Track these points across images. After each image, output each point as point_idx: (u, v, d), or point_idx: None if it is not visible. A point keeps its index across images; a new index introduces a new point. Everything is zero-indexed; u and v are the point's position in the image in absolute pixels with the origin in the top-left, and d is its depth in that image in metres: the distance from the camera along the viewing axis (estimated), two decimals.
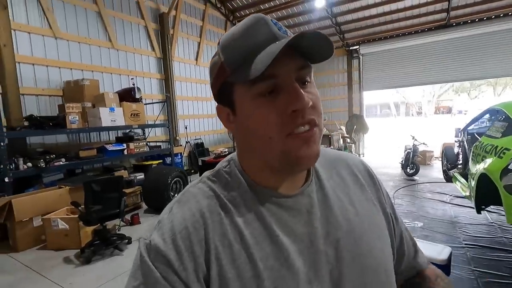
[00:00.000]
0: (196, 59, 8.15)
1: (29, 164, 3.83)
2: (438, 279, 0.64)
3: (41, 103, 4.82)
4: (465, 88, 32.82)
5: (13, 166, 3.69)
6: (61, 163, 4.12)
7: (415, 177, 5.94)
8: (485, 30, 8.05)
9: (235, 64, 0.45)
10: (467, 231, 3.26)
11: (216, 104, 0.52)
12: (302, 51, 0.45)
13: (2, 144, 3.49)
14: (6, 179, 3.52)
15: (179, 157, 6.55)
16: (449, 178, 4.05)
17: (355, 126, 8.79)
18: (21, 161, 3.75)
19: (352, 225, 0.52)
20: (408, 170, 6.07)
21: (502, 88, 29.44)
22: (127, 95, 5.26)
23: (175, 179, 4.64)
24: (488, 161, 2.40)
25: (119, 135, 5.61)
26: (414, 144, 6.24)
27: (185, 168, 7.27)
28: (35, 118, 3.95)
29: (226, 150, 4.56)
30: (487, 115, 3.33)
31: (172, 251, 0.43)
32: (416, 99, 36.99)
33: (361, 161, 0.65)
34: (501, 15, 7.77)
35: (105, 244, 3.17)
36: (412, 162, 6.04)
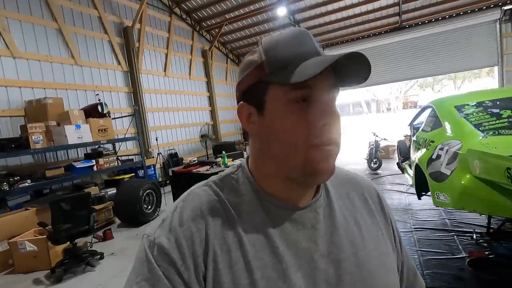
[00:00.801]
0: (165, 71, 8.21)
1: None
2: None
3: (1, 125, 4.71)
4: (429, 83, 34.90)
5: None
6: (27, 184, 4.05)
7: (379, 171, 6.36)
8: (434, 31, 8.80)
9: (277, 66, 0.45)
10: (417, 216, 3.60)
11: (240, 102, 0.52)
12: (336, 72, 0.46)
13: None
14: None
15: (152, 169, 6.56)
16: (402, 170, 4.42)
17: None
18: None
19: (356, 248, 0.51)
20: (372, 165, 6.48)
21: (461, 81, 31.64)
22: (94, 111, 5.25)
23: (147, 191, 4.69)
24: (420, 152, 2.73)
25: (88, 152, 5.57)
26: (376, 140, 6.67)
27: (160, 179, 7.28)
28: None
29: (196, 159, 4.67)
30: (425, 112, 3.72)
31: (175, 250, 0.44)
32: (385, 96, 38.88)
33: (373, 186, 0.64)
34: (447, 16, 8.53)
35: (77, 261, 3.19)
36: (375, 157, 6.46)
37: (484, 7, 8.08)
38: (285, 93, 0.45)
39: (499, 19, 8.04)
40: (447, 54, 8.83)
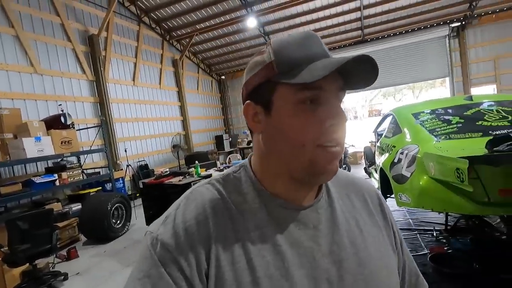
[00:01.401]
0: (133, 80, 7.99)
1: None
2: None
3: None
4: (391, 93, 37.38)
5: None
6: None
7: None
8: (394, 44, 9.51)
9: (286, 67, 0.46)
10: None
11: (246, 101, 0.51)
12: (344, 74, 0.47)
13: None
14: None
15: (121, 181, 6.29)
16: (368, 175, 4.66)
17: None
18: None
19: (357, 248, 0.51)
20: None
21: (419, 91, 34.29)
22: (56, 122, 4.95)
23: (116, 205, 4.48)
24: (384, 156, 2.92)
25: (50, 165, 5.21)
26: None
27: (129, 192, 6.98)
28: None
29: (168, 170, 4.56)
30: (387, 119, 3.99)
31: (177, 247, 0.44)
32: (352, 105, 40.88)
33: (373, 188, 0.65)
34: (403, 32, 9.28)
35: (37, 284, 2.95)
36: (344, 163, 6.74)
37: (435, 24, 8.91)
38: (294, 94, 0.45)
39: (448, 35, 8.89)
40: (405, 66, 9.56)
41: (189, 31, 9.22)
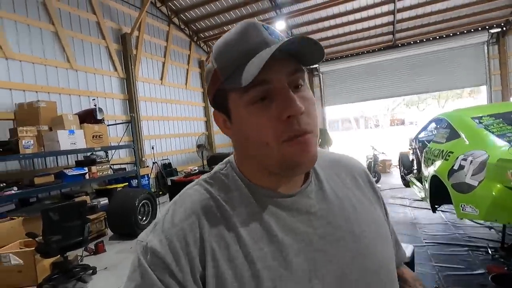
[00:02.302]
0: (161, 79, 8.09)
1: None
2: (417, 282, 0.66)
3: None
4: (414, 102, 36.15)
5: None
6: (13, 192, 3.75)
7: (378, 185, 6.29)
8: (426, 50, 9.11)
9: (227, 71, 0.45)
10: (426, 230, 3.53)
11: (213, 109, 0.52)
12: (293, 54, 0.45)
13: None
14: None
15: (146, 178, 6.30)
16: (406, 183, 4.38)
17: (319, 140, 9.20)
18: None
19: (351, 225, 0.52)
20: None
21: (444, 100, 32.96)
22: (88, 117, 5.03)
23: (143, 201, 4.45)
24: (437, 164, 2.68)
25: (80, 159, 5.29)
26: (374, 154, 6.68)
27: (153, 190, 7.00)
28: None
29: (197, 168, 4.50)
30: (433, 124, 3.73)
31: (168, 252, 0.43)
32: (373, 113, 39.89)
33: (360, 165, 0.65)
34: (437, 37, 8.88)
35: (67, 277, 2.91)
36: (374, 170, 6.44)
37: (473, 30, 8.46)
38: (242, 96, 0.44)
39: (486, 41, 8.42)
40: (437, 72, 9.11)
41: (216, 32, 9.26)
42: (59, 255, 2.89)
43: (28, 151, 3.97)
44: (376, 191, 0.63)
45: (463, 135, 2.51)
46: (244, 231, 0.46)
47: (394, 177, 7.07)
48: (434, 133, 3.60)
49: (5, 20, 4.75)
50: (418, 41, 9.14)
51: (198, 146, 7.37)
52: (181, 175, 6.94)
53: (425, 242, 3.19)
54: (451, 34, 8.73)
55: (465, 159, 2.20)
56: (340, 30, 9.10)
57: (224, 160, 0.57)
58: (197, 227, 0.46)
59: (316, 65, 10.42)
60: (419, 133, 4.12)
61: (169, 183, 4.18)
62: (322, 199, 0.53)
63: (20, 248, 3.20)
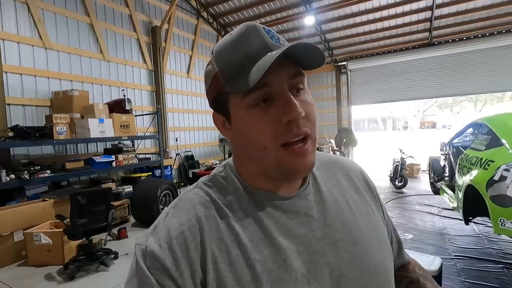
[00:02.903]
0: (188, 72, 8.21)
1: (12, 176, 3.69)
2: (416, 267, 0.68)
3: (27, 113, 4.71)
4: (448, 104, 34.15)
5: None
6: (46, 175, 3.99)
7: (404, 190, 6.03)
8: (465, 49, 8.48)
9: (228, 75, 0.45)
10: (456, 242, 3.30)
11: (212, 111, 0.53)
12: (294, 58, 0.45)
13: None
14: None
15: (169, 169, 6.45)
16: (436, 190, 4.13)
17: (344, 140, 8.93)
18: (3, 172, 3.61)
19: (349, 226, 0.52)
20: (396, 182, 6.17)
21: (482, 104, 30.80)
22: (117, 106, 5.21)
23: (164, 191, 4.55)
24: (474, 173, 2.48)
25: (108, 147, 5.51)
26: (402, 157, 6.37)
27: (175, 180, 7.16)
28: (20, 129, 3.84)
29: (218, 162, 4.52)
30: (470, 129, 3.46)
31: (168, 256, 0.43)
32: (402, 114, 38.15)
33: (356, 165, 0.66)
34: (479, 35, 8.23)
35: (91, 259, 3.04)
36: (401, 175, 6.15)
37: None
38: (242, 100, 0.45)
39: None
40: (476, 74, 8.46)
41: None
42: (84, 238, 3.02)
43: (61, 137, 4.19)
44: (373, 191, 0.63)
45: (506, 143, 2.29)
46: (243, 234, 0.46)
47: (422, 183, 6.72)
48: (471, 138, 3.33)
49: (46, 12, 5.01)
50: (457, 39, 8.53)
51: (221, 140, 7.42)
52: (202, 168, 7.04)
53: (454, 255, 2.98)
54: (495, 32, 8.04)
55: (507, 170, 2.00)
56: (372, 26, 8.71)
57: (223, 163, 0.57)
58: (197, 231, 0.46)
59: (344, 62, 10.15)
60: (454, 137, 3.84)
61: (191, 175, 4.21)
62: (320, 201, 0.53)
63: (50, 229, 3.40)
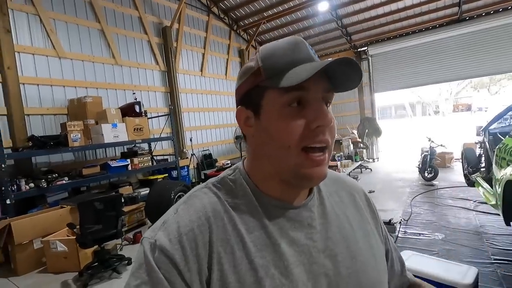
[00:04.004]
0: (201, 70, 8.13)
1: (32, 185, 3.81)
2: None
3: (46, 122, 4.86)
4: (484, 84, 31.49)
5: (15, 187, 3.67)
6: (64, 182, 4.08)
7: (434, 182, 5.54)
8: (500, 22, 7.62)
9: (273, 72, 0.47)
10: (495, 243, 2.91)
11: (238, 106, 0.53)
12: (329, 76, 0.48)
13: (3, 166, 3.48)
14: (8, 201, 3.49)
15: (186, 170, 6.44)
16: (471, 183, 3.70)
17: (367, 130, 8.45)
18: (23, 182, 3.73)
19: (348, 242, 0.54)
20: (426, 174, 5.69)
21: None
22: (130, 110, 5.24)
23: (178, 194, 4.50)
24: None
25: (125, 151, 5.58)
26: (431, 147, 5.86)
27: (193, 180, 7.16)
28: (36, 138, 3.95)
29: (229, 162, 4.40)
30: (511, 112, 3.01)
31: (178, 251, 0.44)
32: (432, 98, 35.75)
33: (359, 186, 0.69)
34: None
35: (104, 266, 3.04)
36: (430, 165, 5.66)
37: None
38: (280, 96, 0.47)
39: None
40: None
41: (256, 19, 8.95)
42: (97, 246, 3.02)
43: (76, 144, 4.26)
44: (374, 210, 0.66)
45: None
46: (248, 238, 0.48)
47: (455, 173, 6.16)
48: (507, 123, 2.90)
49: (57, 22, 5.11)
50: (491, 11, 7.67)
51: (236, 138, 7.30)
52: (215, 168, 6.95)
53: (494, 259, 2.61)
54: None
55: None
56: (393, 6, 8.07)
57: (233, 166, 0.58)
58: (206, 230, 0.47)
59: (365, 48, 9.57)
60: (491, 123, 3.38)
61: (203, 176, 4.12)
62: (323, 214, 0.55)
63: (67, 236, 3.45)
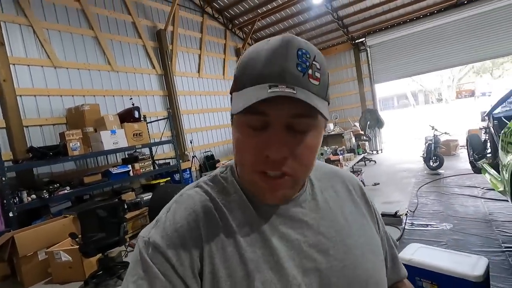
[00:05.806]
0: (198, 72, 8.09)
1: (33, 196, 3.80)
2: None
3: (45, 133, 4.85)
4: (486, 68, 31.02)
5: (17, 199, 3.67)
6: (66, 191, 4.07)
7: (440, 171, 5.44)
8: (499, 4, 7.47)
9: (239, 84, 0.46)
10: (506, 230, 2.82)
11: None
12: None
13: (4, 178, 3.48)
14: (11, 214, 3.48)
15: (188, 172, 6.41)
16: (477, 170, 3.61)
17: (368, 122, 8.35)
18: (24, 193, 3.72)
19: (342, 236, 0.54)
20: (431, 163, 5.59)
21: None
22: (129, 116, 5.21)
23: None
24: None
25: (126, 157, 5.56)
26: (434, 135, 5.76)
27: None
28: (36, 150, 3.94)
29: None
30: None
31: (169, 247, 0.45)
32: (434, 86, 35.32)
33: (355, 178, 0.68)
34: None
35: (108, 274, 3.02)
36: (435, 154, 5.56)
37: None
38: (242, 115, 0.44)
39: None
40: None
41: (251, 17, 8.88)
42: (100, 254, 2.99)
43: (76, 153, 4.24)
44: (370, 204, 0.65)
45: None
46: (239, 234, 0.48)
47: (461, 161, 6.05)
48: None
49: (51, 31, 5.09)
50: None
51: None
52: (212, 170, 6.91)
53: (505, 247, 2.53)
54: None
55: None
56: None
57: (225, 164, 0.59)
58: (197, 227, 0.47)
59: (362, 39, 9.44)
60: (495, 107, 3.29)
61: None
62: (315, 209, 0.55)
63: (71, 245, 3.44)
